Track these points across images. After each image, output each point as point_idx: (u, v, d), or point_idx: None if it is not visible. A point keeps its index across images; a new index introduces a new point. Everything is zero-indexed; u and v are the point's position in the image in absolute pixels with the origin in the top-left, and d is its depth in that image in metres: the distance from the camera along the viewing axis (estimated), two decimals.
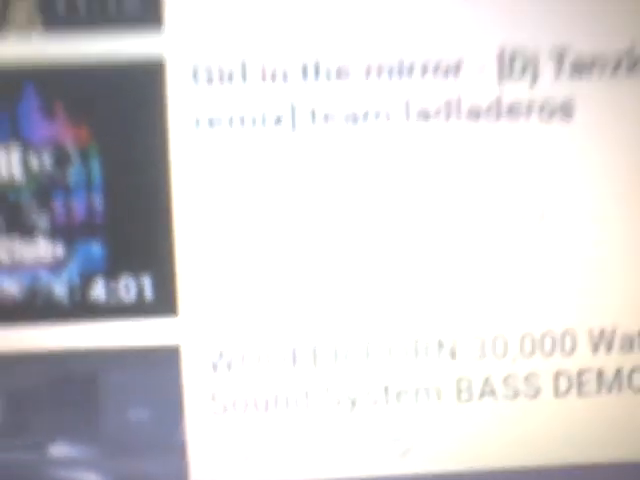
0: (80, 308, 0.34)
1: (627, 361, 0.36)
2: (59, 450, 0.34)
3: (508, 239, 0.35)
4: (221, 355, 0.35)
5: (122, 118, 0.33)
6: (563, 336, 0.35)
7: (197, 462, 0.35)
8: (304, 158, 0.34)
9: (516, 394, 0.36)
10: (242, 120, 0.33)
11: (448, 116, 0.34)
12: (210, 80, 0.33)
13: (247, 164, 0.34)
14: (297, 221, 0.34)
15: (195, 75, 0.33)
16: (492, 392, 0.36)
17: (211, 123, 0.33)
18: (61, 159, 0.33)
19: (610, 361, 0.36)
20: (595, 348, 0.36)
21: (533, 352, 0.35)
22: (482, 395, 0.35)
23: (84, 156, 0.33)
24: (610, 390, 0.36)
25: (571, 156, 0.34)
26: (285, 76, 0.33)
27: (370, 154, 0.34)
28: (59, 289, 0.34)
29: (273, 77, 0.33)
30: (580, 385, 0.36)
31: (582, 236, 0.35)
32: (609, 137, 0.34)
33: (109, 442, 0.35)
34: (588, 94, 0.34)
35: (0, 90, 0.33)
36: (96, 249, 0.34)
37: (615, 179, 0.35)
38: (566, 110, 0.34)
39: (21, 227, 0.34)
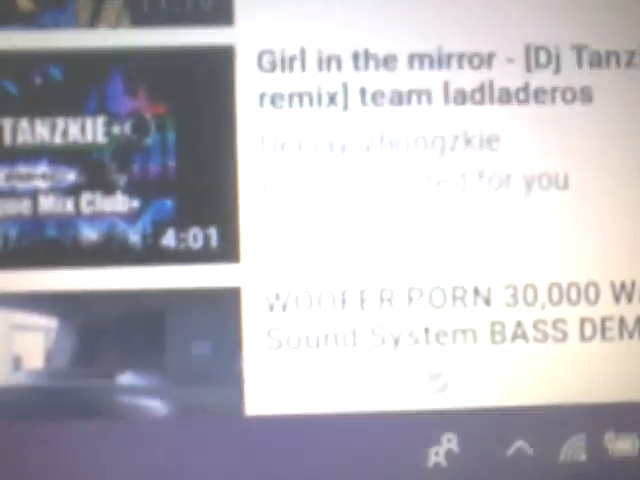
0: (152, 254, 0.39)
1: None
2: (130, 379, 0.38)
3: (535, 202, 0.39)
4: (277, 297, 0.39)
5: (196, 97, 0.39)
6: (587, 287, 0.39)
7: (252, 393, 0.38)
8: (354, 134, 0.39)
9: (545, 338, 0.39)
10: (300, 100, 0.39)
11: (482, 99, 0.39)
12: (273, 66, 0.39)
13: (303, 136, 0.39)
14: (346, 183, 0.39)
15: (260, 62, 0.39)
16: (523, 335, 0.39)
17: (273, 102, 0.39)
18: (141, 128, 0.39)
19: (631, 310, 0.39)
20: (617, 299, 0.39)
21: (560, 300, 0.39)
22: (514, 338, 0.39)
23: (160, 127, 0.39)
24: (631, 336, 0.39)
25: (590, 135, 0.39)
26: (339, 62, 0.39)
27: (412, 131, 0.39)
28: (133, 237, 0.39)
29: (328, 63, 0.39)
30: (603, 331, 0.39)
31: (602, 200, 0.39)
32: (624, 120, 0.39)
33: (175, 373, 0.38)
34: (605, 83, 0.39)
35: (91, 73, 0.39)
36: (168, 203, 0.39)
37: (634, 156, 0.39)
38: (586, 96, 0.39)
39: (103, 183, 0.39)
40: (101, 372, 0.38)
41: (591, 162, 0.39)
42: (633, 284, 0.39)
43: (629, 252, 0.39)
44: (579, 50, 0.39)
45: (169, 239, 0.39)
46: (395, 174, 0.39)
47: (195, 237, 0.39)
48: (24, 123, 0.39)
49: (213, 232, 0.39)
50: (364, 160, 0.39)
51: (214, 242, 0.39)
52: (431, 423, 0.38)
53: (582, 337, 0.39)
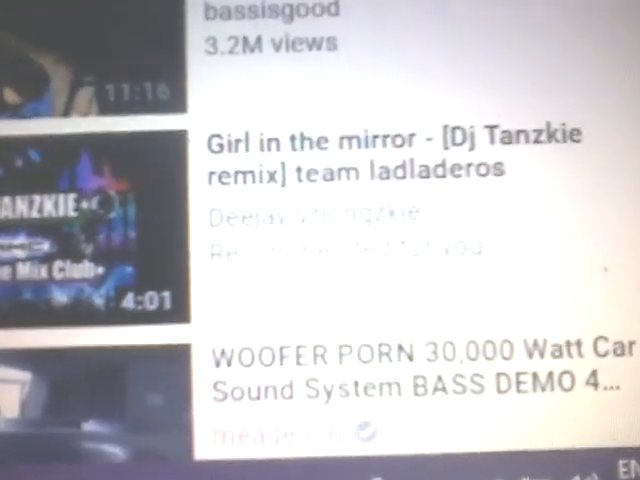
0: (114, 315, 0.44)
1: (557, 366, 0.43)
2: (93, 426, 0.43)
3: (452, 267, 0.44)
4: (223, 353, 0.44)
5: (154, 175, 0.44)
6: (502, 344, 0.43)
7: (201, 439, 0.43)
8: (291, 208, 0.44)
9: (464, 390, 0.43)
10: (244, 177, 0.44)
11: (404, 174, 0.44)
12: (221, 148, 0.45)
13: (247, 210, 0.44)
14: (284, 251, 0.44)
15: (209, 144, 0.45)
16: (443, 388, 0.43)
17: (220, 179, 0.44)
18: (106, 203, 0.45)
19: (543, 365, 0.43)
20: (530, 355, 0.43)
21: (477, 356, 0.43)
22: (435, 390, 0.43)
23: (123, 202, 0.45)
24: (543, 389, 0.43)
25: (502, 205, 0.44)
26: (278, 144, 0.44)
27: (342, 204, 0.44)
28: (98, 300, 0.44)
29: (269, 145, 0.44)
30: (518, 384, 0.43)
31: (514, 264, 0.43)
32: (533, 191, 0.44)
33: (132, 422, 0.43)
34: (515, 158, 0.44)
35: (63, 154, 0.45)
36: (128, 270, 0.44)
37: (541, 223, 0.44)
38: (498, 170, 0.44)
39: (72, 252, 0.44)
40: (68, 420, 0.43)
41: (503, 229, 0.43)
42: (545, 341, 0.43)
43: (540, 311, 0.43)
44: (491, 129, 0.44)
45: (129, 302, 0.44)
46: (327, 242, 0.44)
47: (151, 300, 0.44)
48: (6, 200, 0.44)
49: (167, 295, 0.44)
50: (300, 230, 0.44)
51: (168, 304, 0.44)
52: (360, 468, 0.43)
53: (498, 390, 0.43)
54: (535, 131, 0.44)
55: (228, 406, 0.43)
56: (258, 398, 0.43)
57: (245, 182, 0.44)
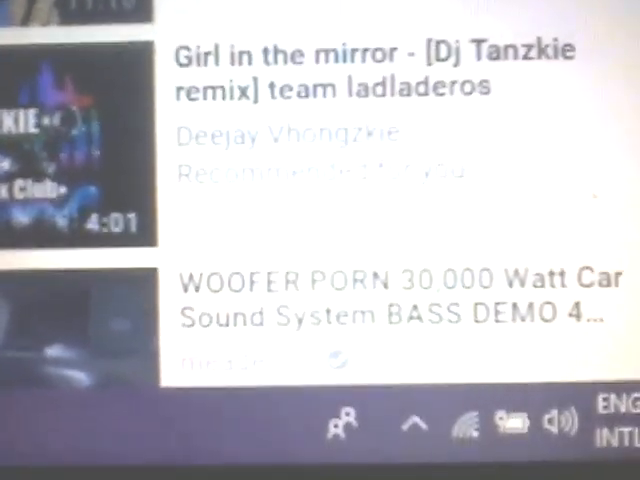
0: (77, 237, 0.42)
1: (538, 296, 0.41)
2: (56, 351, 0.42)
3: (432, 191, 0.41)
4: (191, 278, 0.42)
5: (118, 90, 0.42)
6: (481, 272, 0.41)
7: (167, 366, 0.42)
8: (263, 126, 0.42)
9: (440, 319, 0.41)
10: (214, 93, 0.42)
11: (384, 92, 0.41)
12: (189, 61, 0.42)
13: (216, 128, 0.42)
14: (255, 172, 0.42)
15: (177, 57, 0.42)
16: (419, 317, 0.41)
17: (189, 94, 0.42)
18: (68, 119, 0.42)
19: (523, 295, 0.41)
20: (510, 284, 0.41)
21: (455, 284, 0.41)
22: (410, 319, 0.41)
23: (86, 118, 0.42)
24: (523, 319, 0.41)
25: (487, 126, 0.41)
26: (250, 57, 0.42)
27: (318, 122, 0.42)
28: (61, 221, 0.42)
29: (240, 58, 0.42)
30: (497, 314, 0.41)
31: (497, 189, 0.41)
32: (520, 111, 0.41)
33: (96, 347, 0.42)
34: (502, 76, 0.41)
35: (23, 67, 0.42)
36: (93, 190, 0.42)
37: (528, 146, 0.41)
38: (484, 88, 0.41)
39: (34, 171, 0.42)
40: (31, 345, 0.42)
41: (487, 152, 0.41)
42: (526, 270, 0.41)
43: (523, 239, 0.41)
44: (478, 44, 0.41)
45: (93, 223, 0.42)
46: (301, 164, 0.41)
47: (116, 222, 0.42)
48: None
49: (133, 217, 0.42)
50: (273, 151, 0.42)
51: (133, 227, 0.42)
52: (331, 397, 0.41)
53: (475, 319, 0.41)
54: (525, 46, 0.41)
55: (196, 332, 0.42)
56: (227, 325, 0.42)
57: (215, 98, 0.42)
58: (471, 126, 0.41)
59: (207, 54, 0.42)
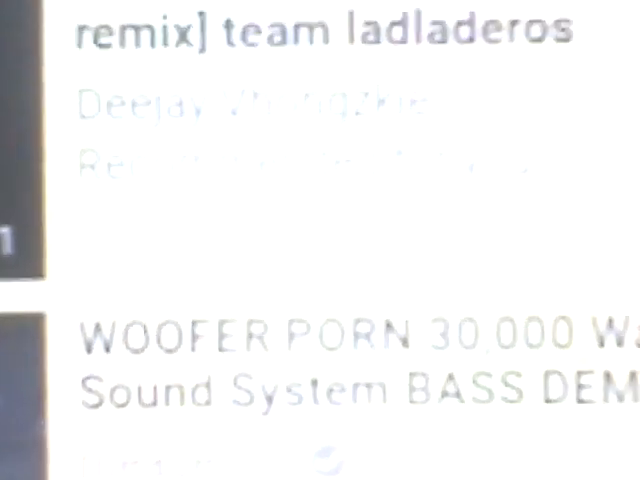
0: None
1: None
2: None
3: (487, 194, 0.26)
4: (98, 330, 0.26)
5: None
6: (556, 322, 0.26)
7: (59, 470, 0.26)
8: (217, 86, 0.26)
9: (491, 397, 0.26)
10: (136, 33, 0.26)
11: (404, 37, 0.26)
12: None
13: (142, 94, 0.26)
14: (202, 158, 0.26)
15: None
16: (457, 394, 0.26)
17: (96, 38, 0.26)
18: None
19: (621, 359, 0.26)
20: (601, 342, 0.26)
21: (514, 343, 0.26)
22: (443, 397, 0.26)
23: None
24: (621, 399, 0.26)
25: (568, 91, 0.26)
26: None
27: (300, 81, 0.26)
28: None
29: None
30: (579, 390, 0.26)
31: (584, 198, 0.26)
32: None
33: None
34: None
35: None
36: None
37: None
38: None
39: None
40: None
41: (560, 137, 0.25)
42: (626, 321, 0.26)
43: (618, 273, 0.26)
44: None
45: None
46: (273, 149, 0.26)
47: None
48: None
49: (6, 233, 0.26)
50: (228, 127, 0.26)
51: (7, 247, 0.26)
52: None
53: (546, 398, 0.26)
54: None
55: (105, 417, 0.26)
56: (154, 404, 0.26)
57: (138, 44, 0.26)
58: (542, 92, 0.26)
59: None
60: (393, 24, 0.26)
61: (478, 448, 0.26)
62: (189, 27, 0.26)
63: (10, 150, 0.26)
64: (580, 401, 0.26)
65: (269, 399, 0.26)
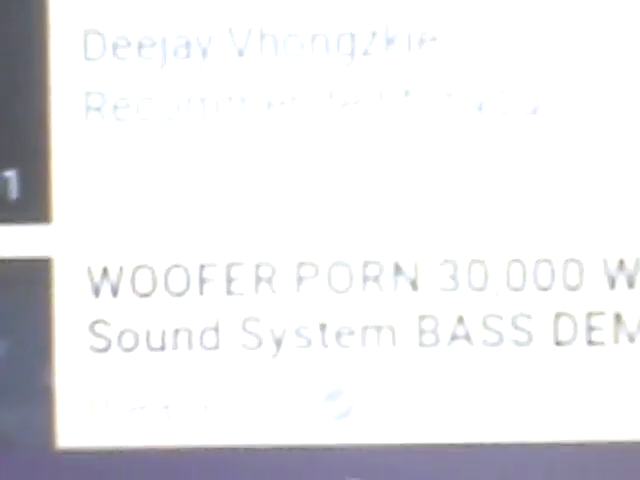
0: None
1: None
2: None
3: (496, 136, 0.26)
4: (105, 274, 0.26)
5: None
6: (566, 264, 0.26)
7: (68, 416, 0.26)
8: (223, 24, 0.26)
9: (501, 340, 0.26)
10: None
11: None
12: None
13: (147, 36, 0.26)
14: (212, 105, 0.26)
15: None
16: (467, 337, 0.26)
17: None
18: None
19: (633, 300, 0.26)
20: (612, 283, 0.26)
21: (524, 285, 0.26)
22: (452, 339, 0.26)
23: None
24: (632, 339, 0.26)
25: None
26: None
27: (307, 19, 0.26)
28: None
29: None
30: (590, 331, 0.26)
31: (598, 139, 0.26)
32: None
33: None
34: None
35: None
36: None
37: None
38: None
39: None
40: None
41: (575, 74, 0.25)
42: (637, 262, 0.26)
43: (628, 214, 0.26)
44: None
45: None
46: (280, 90, 0.26)
47: None
48: None
49: (12, 177, 0.26)
50: (236, 67, 0.26)
51: (13, 192, 0.26)
52: (328, 465, 0.26)
53: (556, 341, 0.26)
54: None
55: (113, 361, 0.26)
56: (161, 348, 0.26)
57: None
58: (550, 32, 0.25)
59: None
60: None
61: (488, 391, 0.26)
62: None
63: (15, 93, 0.26)
64: (590, 343, 0.26)
65: (278, 342, 0.26)
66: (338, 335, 0.26)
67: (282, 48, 0.26)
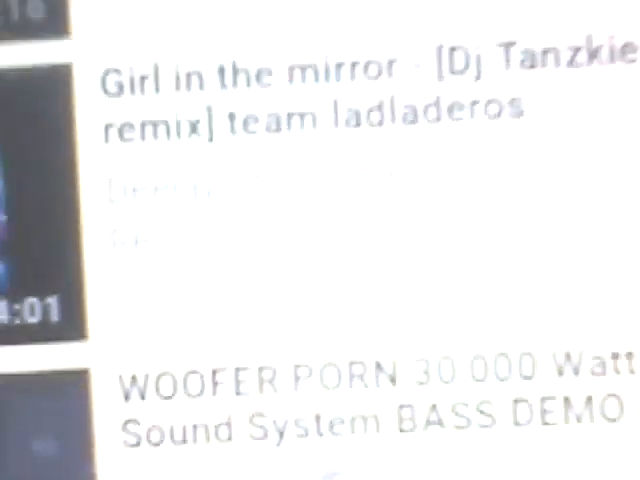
0: None
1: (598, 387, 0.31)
2: None
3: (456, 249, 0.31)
4: (134, 381, 0.31)
5: (26, 130, 0.31)
6: (521, 358, 0.31)
7: None
8: (224, 171, 0.31)
9: (468, 423, 0.31)
10: (155, 130, 0.31)
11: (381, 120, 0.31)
12: (120, 89, 0.31)
13: (162, 181, 0.31)
14: (215, 233, 0.31)
15: (104, 84, 0.31)
16: (439, 422, 0.31)
17: (121, 133, 0.31)
18: None
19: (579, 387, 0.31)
20: (560, 372, 0.31)
21: (486, 376, 0.31)
22: (427, 425, 0.31)
23: None
24: (579, 420, 0.31)
25: (524, 162, 0.31)
26: (201, 79, 0.31)
27: (294, 161, 0.31)
28: None
29: (188, 81, 0.31)
30: (544, 414, 0.31)
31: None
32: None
33: (11, 478, 0.31)
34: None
35: None
36: None
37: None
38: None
39: None
40: None
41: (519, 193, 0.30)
42: (580, 355, 0.30)
43: (575, 308, 0.30)
44: (506, 49, 0.30)
45: (1, 313, 0.31)
46: (273, 221, 0.31)
47: (32, 309, 0.31)
48: None
49: (53, 302, 0.31)
50: (236, 204, 0.31)
51: (55, 315, 0.31)
52: None
53: (515, 421, 0.31)
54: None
55: (143, 453, 0.31)
56: (184, 442, 0.31)
57: (156, 136, 0.31)
58: (501, 162, 0.30)
59: (144, 78, 0.31)
60: (370, 110, 0.31)
61: (459, 467, 0.31)
62: (198, 121, 0.31)
63: (53, 234, 0.31)
64: (545, 423, 0.31)
65: (280, 433, 0.31)
66: (331, 425, 0.31)
67: (274, 188, 0.31)
